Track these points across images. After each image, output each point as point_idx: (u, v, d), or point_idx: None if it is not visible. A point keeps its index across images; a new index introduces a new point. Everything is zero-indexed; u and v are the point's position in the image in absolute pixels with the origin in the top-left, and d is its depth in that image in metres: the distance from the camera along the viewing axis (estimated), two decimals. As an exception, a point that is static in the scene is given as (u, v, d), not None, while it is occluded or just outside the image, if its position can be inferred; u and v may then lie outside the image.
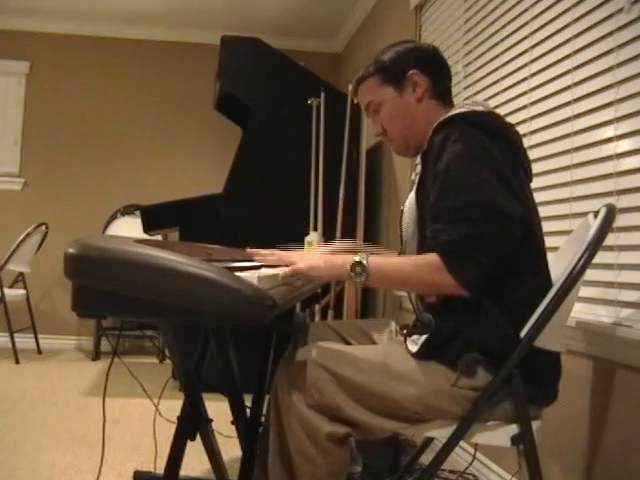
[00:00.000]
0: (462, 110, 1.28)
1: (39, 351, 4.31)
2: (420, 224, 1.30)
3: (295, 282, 1.24)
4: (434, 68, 1.41)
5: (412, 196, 1.40)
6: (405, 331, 1.37)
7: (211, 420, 1.56)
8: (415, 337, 1.30)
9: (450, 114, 1.29)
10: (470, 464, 1.99)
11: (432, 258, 1.15)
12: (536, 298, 1.20)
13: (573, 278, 1.14)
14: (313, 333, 1.53)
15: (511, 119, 2.07)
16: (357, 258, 1.18)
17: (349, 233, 3.19)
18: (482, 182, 1.15)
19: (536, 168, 1.89)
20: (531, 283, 1.22)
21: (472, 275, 1.13)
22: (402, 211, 1.47)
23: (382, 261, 1.20)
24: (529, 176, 1.31)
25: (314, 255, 1.26)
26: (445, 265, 1.13)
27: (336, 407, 1.17)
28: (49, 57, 4.74)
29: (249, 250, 1.35)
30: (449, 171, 1.18)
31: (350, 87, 3.31)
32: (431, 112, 1.36)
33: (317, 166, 3.29)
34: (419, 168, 1.37)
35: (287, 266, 1.22)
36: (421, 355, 1.23)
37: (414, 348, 1.25)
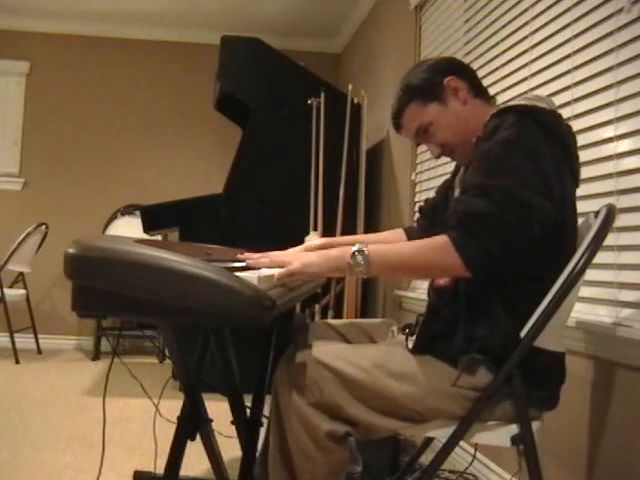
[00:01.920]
0: (523, 102, 1.26)
1: (39, 351, 4.31)
2: None
3: (292, 283, 1.23)
4: (464, 70, 1.40)
5: (461, 174, 1.39)
6: (407, 330, 1.37)
7: (211, 420, 1.56)
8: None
9: (511, 104, 1.26)
10: (470, 464, 1.99)
11: (438, 238, 1.13)
12: (542, 301, 1.18)
13: (573, 278, 1.14)
14: (314, 332, 1.52)
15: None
16: (356, 247, 1.15)
17: (349, 233, 3.18)
18: (516, 170, 1.13)
19: (536, 168, 1.89)
20: (545, 288, 1.19)
21: (476, 253, 1.10)
22: (454, 187, 1.46)
23: (382, 247, 1.17)
24: (577, 183, 1.28)
25: (307, 252, 1.26)
26: (453, 241, 1.11)
27: (336, 405, 1.17)
28: (49, 57, 4.74)
29: (241, 255, 1.34)
30: (490, 151, 1.17)
31: (350, 87, 3.33)
32: (479, 110, 1.35)
33: (317, 166, 3.29)
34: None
35: (281, 267, 1.19)
36: (418, 347, 1.22)
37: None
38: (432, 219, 1.60)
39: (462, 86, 1.36)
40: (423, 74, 1.38)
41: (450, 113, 1.36)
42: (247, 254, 1.31)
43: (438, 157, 1.44)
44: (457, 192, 1.40)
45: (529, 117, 1.19)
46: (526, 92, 1.33)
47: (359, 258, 1.14)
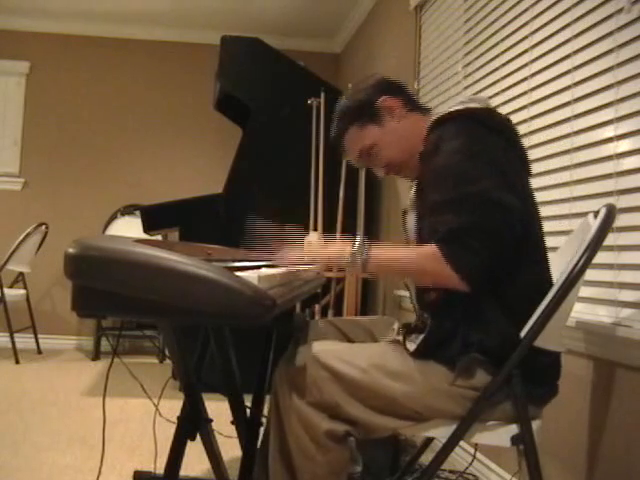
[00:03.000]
0: (458, 107, 1.28)
1: (39, 351, 4.31)
2: (420, 223, 1.30)
3: (294, 282, 1.24)
4: (395, 87, 1.42)
5: (412, 195, 1.40)
6: (405, 330, 1.37)
7: (211, 420, 1.56)
8: (414, 336, 1.30)
9: (445, 112, 1.29)
10: (470, 464, 1.99)
11: (431, 247, 1.14)
12: (535, 297, 1.20)
13: (573, 278, 1.14)
14: (315, 330, 1.53)
15: (511, 119, 2.07)
16: (355, 246, 1.19)
17: (349, 233, 3.18)
18: (481, 175, 1.15)
19: (536, 168, 1.89)
20: (530, 281, 1.22)
21: (470, 264, 1.12)
22: (404, 212, 1.46)
23: (381, 250, 1.20)
24: (528, 171, 1.31)
25: (312, 243, 1.27)
26: (443, 254, 1.12)
27: (336, 405, 1.17)
28: (49, 57, 4.74)
29: (254, 252, 1.35)
30: (448, 165, 1.18)
31: (350, 87, 3.33)
32: (417, 124, 1.36)
33: (317, 166, 3.29)
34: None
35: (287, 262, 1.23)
36: (419, 355, 1.23)
37: (412, 347, 1.25)
38: None
39: (396, 104, 1.38)
40: (357, 98, 1.40)
41: (389, 132, 1.37)
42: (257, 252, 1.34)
43: (384, 176, 1.45)
44: (412, 215, 1.41)
45: (469, 120, 1.22)
46: (459, 95, 1.35)
47: (357, 256, 1.18)
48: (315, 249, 1.24)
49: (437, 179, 1.19)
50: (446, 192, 1.16)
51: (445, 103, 2.67)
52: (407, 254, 1.19)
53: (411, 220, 1.40)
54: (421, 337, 1.24)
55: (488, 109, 1.29)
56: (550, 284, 1.26)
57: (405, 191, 3.13)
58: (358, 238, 1.19)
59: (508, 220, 1.14)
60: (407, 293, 2.91)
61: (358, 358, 1.22)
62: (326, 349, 1.23)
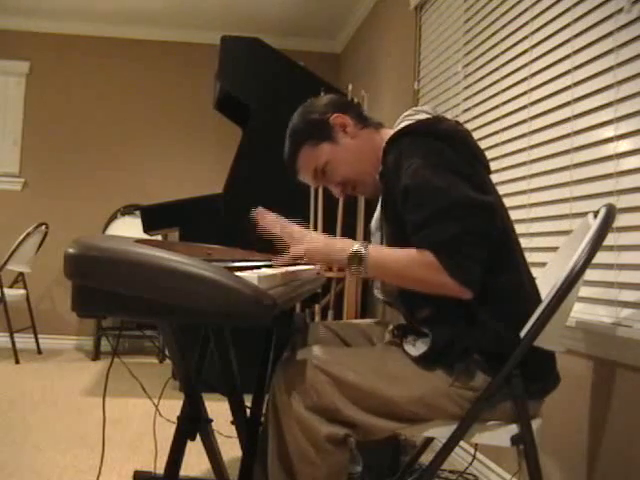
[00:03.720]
0: (406, 123, 1.29)
1: (39, 351, 4.31)
2: (388, 241, 1.31)
3: (293, 282, 1.24)
4: (345, 104, 1.42)
5: (377, 215, 1.40)
6: (401, 332, 1.37)
7: (211, 420, 1.56)
8: (411, 338, 1.30)
9: (396, 130, 1.29)
10: (470, 464, 1.99)
11: (428, 257, 1.13)
12: (518, 294, 1.22)
13: (573, 278, 1.14)
14: (312, 334, 1.53)
15: (511, 119, 2.07)
16: (355, 247, 1.18)
17: (349, 233, 3.18)
18: (450, 185, 1.15)
19: (536, 168, 1.89)
20: (511, 278, 1.23)
21: (471, 272, 1.12)
22: (370, 232, 1.46)
23: (381, 253, 1.20)
24: (488, 169, 1.31)
25: (316, 238, 1.26)
26: (443, 266, 1.12)
27: (334, 409, 1.17)
28: (49, 57, 4.74)
29: (259, 211, 1.34)
30: (417, 183, 1.17)
31: (350, 87, 3.32)
32: (371, 140, 1.36)
33: (317, 166, 3.28)
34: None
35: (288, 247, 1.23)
36: (423, 362, 1.22)
37: (411, 350, 1.25)
38: None
39: (348, 121, 1.37)
40: (308, 117, 1.39)
41: (343, 150, 1.37)
42: (262, 212, 1.33)
43: (342, 195, 1.44)
44: (377, 236, 1.41)
45: (421, 134, 1.22)
46: (408, 110, 1.35)
47: (356, 262, 1.18)
48: (316, 247, 1.23)
49: (410, 201, 1.18)
50: (424, 210, 1.15)
51: (445, 103, 2.67)
52: (407, 259, 1.17)
53: (376, 241, 1.40)
54: (420, 340, 1.24)
55: (435, 118, 1.29)
56: (530, 276, 1.28)
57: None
58: (356, 246, 1.19)
59: (491, 218, 1.16)
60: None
61: (356, 361, 1.22)
62: (324, 353, 1.23)
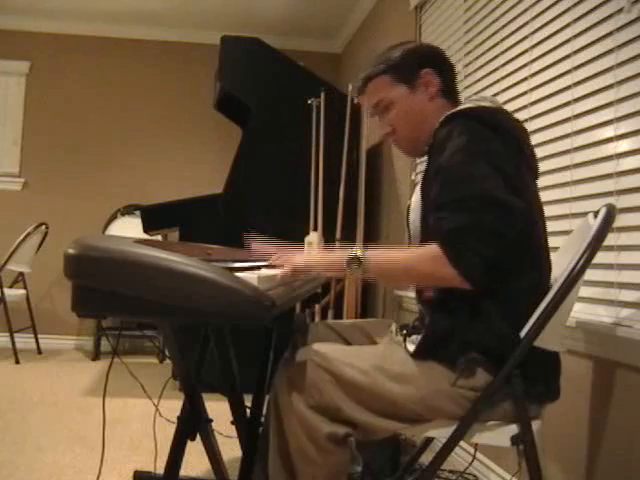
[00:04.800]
0: (468, 105, 1.28)
1: (39, 351, 4.31)
2: (425, 219, 1.30)
3: (294, 282, 1.24)
4: (445, 67, 1.39)
5: (418, 192, 1.38)
6: (405, 331, 1.37)
7: (211, 420, 1.56)
8: (414, 337, 1.30)
9: (457, 109, 1.28)
10: (470, 464, 1.99)
11: (432, 248, 1.14)
12: (534, 297, 1.20)
13: (573, 278, 1.14)
14: (313, 333, 1.52)
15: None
16: (354, 252, 1.19)
17: (349, 233, 3.18)
18: (482, 175, 1.14)
19: (536, 168, 1.89)
20: (530, 282, 1.22)
21: (473, 265, 1.12)
22: (408, 208, 1.45)
23: (380, 254, 1.20)
24: (535, 174, 1.30)
25: (311, 253, 1.27)
26: (446, 255, 1.12)
27: (336, 408, 1.17)
28: (49, 57, 4.74)
29: (254, 247, 1.35)
30: (450, 164, 1.17)
31: (350, 87, 3.32)
32: (441, 111, 1.33)
33: (317, 166, 3.29)
34: (425, 164, 1.36)
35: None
36: (418, 354, 1.22)
37: (412, 348, 1.25)
38: None
39: (435, 82, 1.36)
40: (406, 53, 1.38)
41: (413, 103, 1.36)
42: (260, 247, 1.34)
43: (384, 136, 1.43)
44: (412, 215, 1.40)
45: (476, 120, 1.21)
46: (474, 94, 1.34)
47: (355, 264, 1.18)
48: (314, 258, 1.24)
49: (438, 179, 1.19)
50: (448, 192, 1.16)
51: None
52: (407, 256, 1.19)
53: (414, 214, 1.38)
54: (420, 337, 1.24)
55: (497, 109, 1.28)
56: (549, 285, 1.26)
57: (405, 192, 3.13)
58: (356, 246, 1.20)
59: (508, 220, 1.14)
60: (407, 293, 2.92)
61: (359, 360, 1.22)
62: (326, 351, 1.23)
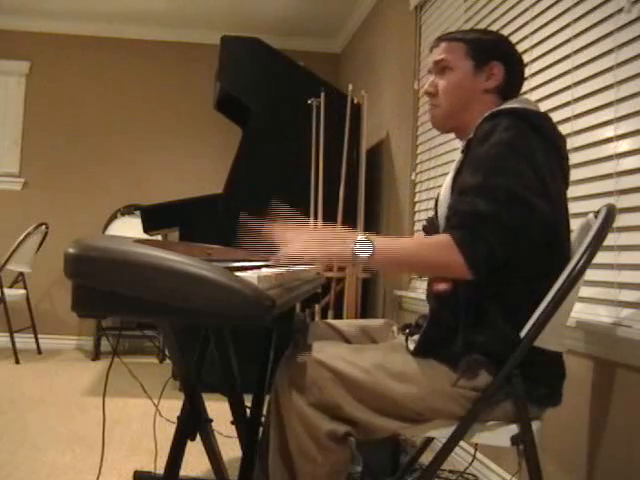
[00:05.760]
0: (515, 105, 1.27)
1: (39, 351, 4.31)
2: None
3: (292, 283, 1.24)
4: (515, 70, 1.39)
5: (448, 182, 1.35)
6: (407, 331, 1.37)
7: (211, 420, 1.56)
8: (416, 337, 1.30)
9: (504, 107, 1.27)
10: (470, 464, 1.99)
11: (441, 237, 1.14)
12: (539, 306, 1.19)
13: (573, 278, 1.14)
14: (314, 332, 1.52)
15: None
16: (360, 236, 1.15)
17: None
18: (517, 172, 1.14)
19: (536, 168, 1.89)
20: (539, 291, 1.20)
21: (480, 254, 1.11)
22: (437, 198, 1.43)
23: (387, 239, 1.18)
24: (567, 183, 1.29)
25: (310, 235, 1.23)
26: (457, 239, 1.11)
27: (336, 406, 1.17)
28: (49, 57, 4.74)
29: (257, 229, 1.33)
30: (488, 154, 1.17)
31: (350, 87, 3.32)
32: (488, 106, 1.32)
33: (317, 166, 3.29)
34: (460, 155, 1.34)
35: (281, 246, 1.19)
36: (419, 351, 1.22)
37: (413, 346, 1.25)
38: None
39: (499, 76, 1.35)
40: (490, 38, 1.38)
41: (469, 81, 1.35)
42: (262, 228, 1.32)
43: (424, 93, 1.43)
44: (440, 209, 1.38)
45: (523, 120, 1.20)
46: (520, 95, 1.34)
47: (361, 247, 1.14)
48: (315, 245, 1.20)
49: (475, 164, 1.19)
50: (478, 178, 1.15)
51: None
52: (413, 243, 1.18)
53: (443, 204, 1.34)
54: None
55: (543, 113, 1.28)
56: None
57: (405, 192, 3.13)
58: (360, 234, 1.17)
59: (528, 220, 1.13)
60: (407, 293, 2.92)
61: (360, 359, 1.21)
62: (327, 349, 1.23)
